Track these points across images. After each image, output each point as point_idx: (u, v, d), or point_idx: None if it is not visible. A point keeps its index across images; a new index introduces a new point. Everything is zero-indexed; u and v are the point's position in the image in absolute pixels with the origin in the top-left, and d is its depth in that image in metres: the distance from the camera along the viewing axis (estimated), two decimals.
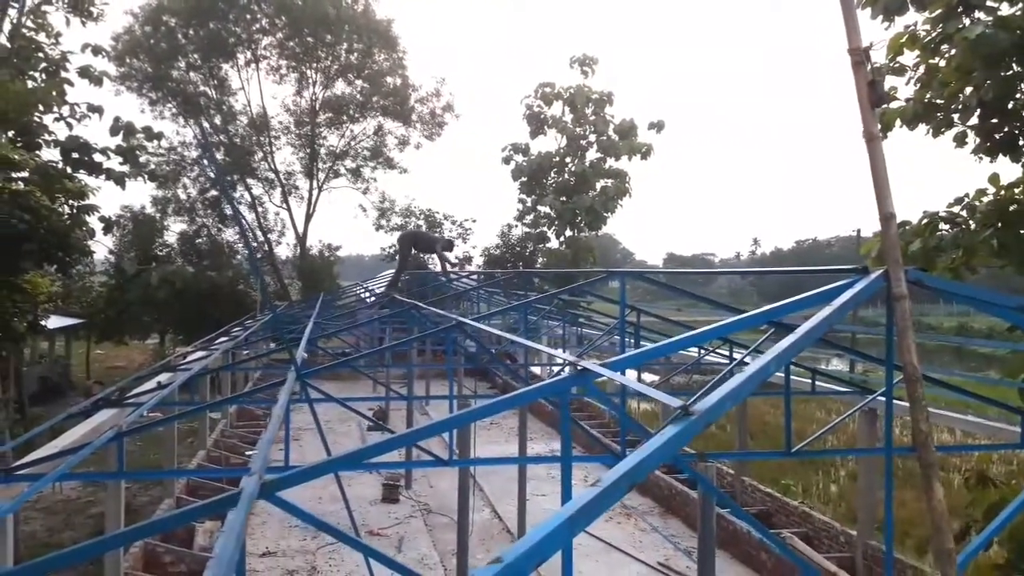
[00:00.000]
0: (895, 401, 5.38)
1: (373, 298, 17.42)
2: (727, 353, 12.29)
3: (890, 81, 7.27)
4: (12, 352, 14.22)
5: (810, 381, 10.89)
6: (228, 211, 37.54)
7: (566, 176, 36.75)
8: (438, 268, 18.25)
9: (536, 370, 20.63)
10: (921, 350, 3.75)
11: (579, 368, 3.40)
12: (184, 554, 10.57)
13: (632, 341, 11.14)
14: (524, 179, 37.23)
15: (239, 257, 37.02)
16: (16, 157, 11.72)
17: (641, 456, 2.23)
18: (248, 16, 37.03)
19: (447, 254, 17.51)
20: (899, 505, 14.94)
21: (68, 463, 5.11)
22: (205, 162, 35.31)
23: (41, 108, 12.64)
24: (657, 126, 36.35)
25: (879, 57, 6.96)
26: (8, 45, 10.56)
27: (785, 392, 7.44)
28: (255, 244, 39.57)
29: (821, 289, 3.60)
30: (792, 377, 12.74)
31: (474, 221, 47.19)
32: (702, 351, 13.87)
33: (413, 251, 39.50)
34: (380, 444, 3.62)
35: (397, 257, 17.29)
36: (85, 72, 14.89)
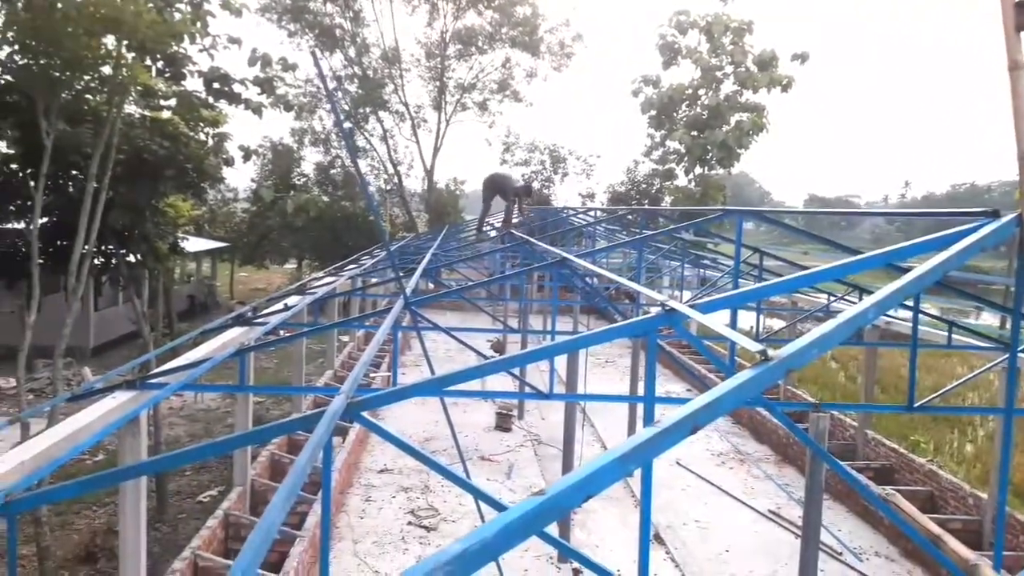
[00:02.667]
0: None
1: (494, 232, 17.52)
2: (856, 300, 11.64)
3: None
4: (160, 272, 15.39)
5: (946, 334, 10.17)
6: (359, 144, 38.54)
7: (698, 110, 35.33)
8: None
9: (655, 311, 20.32)
10: None
11: (667, 308, 3.28)
12: None
13: (755, 284, 10.73)
14: (653, 113, 36.05)
15: (371, 188, 38.13)
16: (160, 87, 12.50)
17: (708, 399, 2.12)
18: None
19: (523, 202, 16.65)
20: None
21: (191, 375, 5.49)
22: (335, 98, 36.16)
23: (185, 39, 13.16)
24: (801, 57, 34.17)
25: None
26: None
27: (912, 344, 6.95)
28: (386, 176, 40.62)
29: (942, 233, 3.28)
30: (928, 329, 12.00)
31: (598, 157, 46.51)
32: (831, 298, 13.23)
33: (535, 186, 39.44)
34: (469, 370, 3.57)
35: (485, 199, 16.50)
36: (226, 4, 15.37)
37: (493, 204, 17.01)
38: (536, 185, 40.88)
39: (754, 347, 2.35)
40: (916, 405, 6.60)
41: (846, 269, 3.66)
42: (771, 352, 2.32)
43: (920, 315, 7.46)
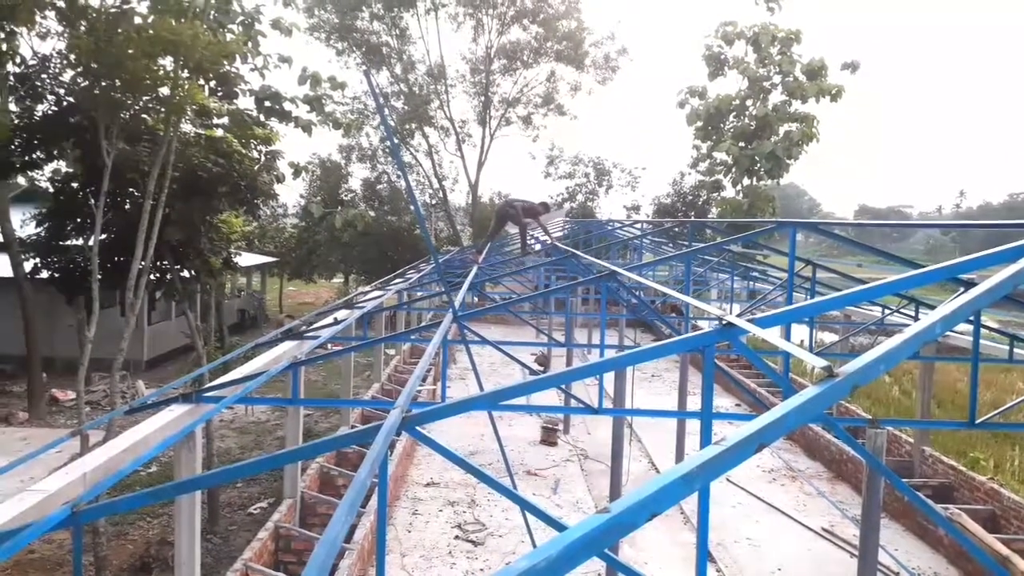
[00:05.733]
0: None
1: (538, 246, 17.52)
2: (912, 313, 11.35)
3: None
4: (212, 286, 15.70)
5: (1007, 347, 9.84)
6: (405, 159, 38.93)
7: (746, 120, 34.94)
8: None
9: (704, 324, 20.10)
10: None
11: (724, 322, 3.23)
12: (352, 477, 11.35)
13: (807, 297, 10.54)
14: (700, 124, 35.78)
15: (418, 202, 38.38)
16: (214, 105, 12.81)
17: (774, 416, 2.07)
18: None
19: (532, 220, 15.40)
20: None
21: (246, 389, 5.58)
22: (384, 115, 36.70)
23: (238, 58, 13.47)
24: (851, 66, 33.69)
25: None
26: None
27: (973, 358, 6.74)
28: (432, 191, 41.00)
29: (1010, 245, 3.18)
30: (988, 343, 11.63)
31: (644, 169, 46.30)
32: (886, 311, 12.92)
33: (567, 204, 39.23)
34: (520, 386, 3.55)
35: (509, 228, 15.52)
36: (276, 24, 15.67)
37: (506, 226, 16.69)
38: (580, 198, 40.89)
39: (819, 363, 2.30)
40: (978, 422, 6.40)
41: (908, 283, 3.57)
42: (836, 368, 2.27)
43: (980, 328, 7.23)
